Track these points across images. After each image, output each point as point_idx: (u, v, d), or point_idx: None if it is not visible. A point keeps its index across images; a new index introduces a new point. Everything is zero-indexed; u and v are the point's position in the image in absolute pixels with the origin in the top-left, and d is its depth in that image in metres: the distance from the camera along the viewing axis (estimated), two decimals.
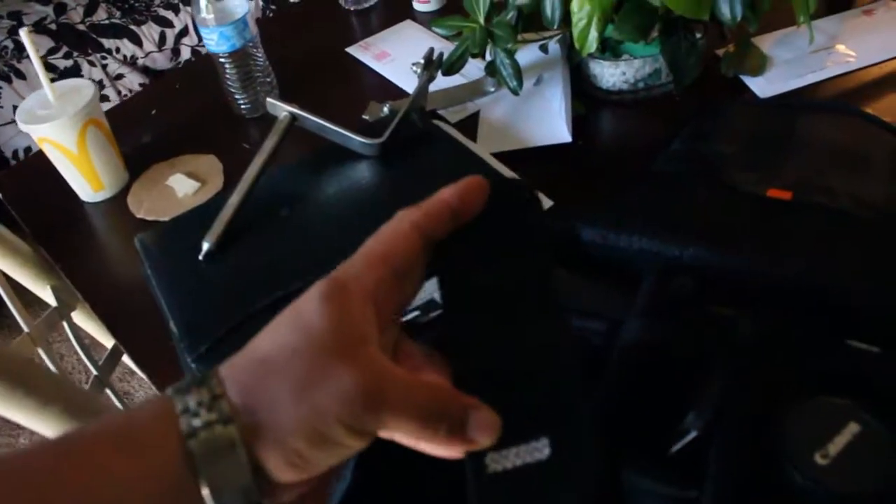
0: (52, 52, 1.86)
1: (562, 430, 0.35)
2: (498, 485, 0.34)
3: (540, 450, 0.34)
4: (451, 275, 0.40)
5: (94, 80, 1.44)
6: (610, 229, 0.54)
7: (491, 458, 0.34)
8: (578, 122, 0.82)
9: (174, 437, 0.32)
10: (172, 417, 0.32)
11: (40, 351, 0.84)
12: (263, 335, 0.36)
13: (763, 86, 0.84)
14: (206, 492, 0.32)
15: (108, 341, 0.99)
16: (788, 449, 0.41)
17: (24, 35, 0.80)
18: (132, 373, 1.71)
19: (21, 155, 1.89)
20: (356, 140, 0.74)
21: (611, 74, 0.84)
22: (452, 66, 0.82)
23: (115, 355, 0.91)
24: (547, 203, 0.70)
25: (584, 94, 0.86)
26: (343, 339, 0.34)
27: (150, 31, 1.96)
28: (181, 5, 2.00)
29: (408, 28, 1.05)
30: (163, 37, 1.97)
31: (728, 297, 0.52)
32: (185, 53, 2.01)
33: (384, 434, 0.34)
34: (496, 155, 0.77)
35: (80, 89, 0.85)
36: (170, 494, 0.32)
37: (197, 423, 0.32)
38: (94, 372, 0.86)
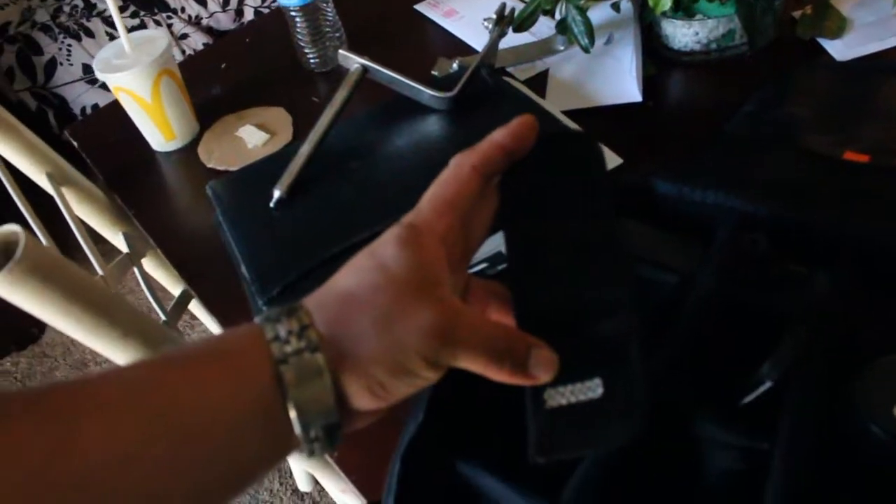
0: (119, 11, 1.89)
1: (615, 372, 0.37)
2: (554, 418, 0.37)
3: (593, 389, 0.37)
4: (515, 222, 0.41)
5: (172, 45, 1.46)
6: (685, 183, 0.54)
7: (548, 393, 0.37)
8: (649, 83, 0.81)
9: (266, 361, 0.34)
10: (264, 343, 0.34)
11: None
12: (344, 274, 0.38)
13: (841, 49, 0.81)
14: (293, 413, 0.34)
15: (175, 289, 1.01)
16: (865, 402, 0.41)
17: None
18: (192, 324, 1.75)
19: (89, 112, 1.93)
20: (427, 93, 0.74)
21: (683, 34, 0.82)
22: (523, 23, 0.82)
23: (182, 302, 0.94)
24: (616, 161, 0.69)
25: (656, 55, 0.85)
26: (420, 280, 0.36)
27: None
28: None
29: None
30: None
31: (802, 255, 0.52)
32: (249, 14, 2.03)
33: (457, 365, 0.36)
34: (565, 113, 0.77)
35: (155, 40, 0.87)
36: (260, 412, 0.34)
37: (288, 349, 0.34)
38: (163, 317, 0.88)
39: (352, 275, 0.37)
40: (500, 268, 0.63)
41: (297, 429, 0.34)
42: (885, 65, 0.80)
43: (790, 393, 0.42)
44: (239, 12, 2.02)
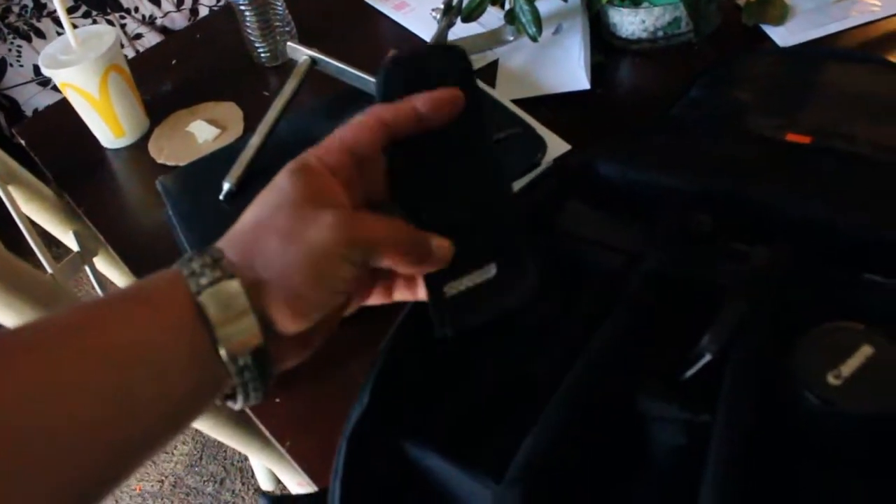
0: (71, 10, 1.86)
1: (505, 255, 0.42)
2: (455, 302, 0.42)
3: (488, 272, 0.42)
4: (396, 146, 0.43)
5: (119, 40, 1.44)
6: (628, 164, 0.54)
7: (448, 286, 0.42)
8: (597, 71, 0.82)
9: (185, 297, 0.35)
10: (181, 280, 0.36)
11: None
12: (248, 209, 0.40)
13: (784, 35, 0.83)
14: (221, 346, 0.35)
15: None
16: (801, 371, 0.41)
17: None
18: None
19: None
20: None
21: (630, 23, 0.83)
22: (472, 13, 0.82)
23: None
24: (564, 147, 0.70)
25: (604, 43, 0.86)
26: (315, 194, 0.38)
27: None
28: None
29: None
30: None
31: (745, 233, 0.53)
32: (203, 13, 2.01)
33: (369, 260, 0.39)
34: (515, 101, 0.78)
35: (102, 35, 0.86)
36: (185, 345, 0.35)
37: (203, 281, 0.35)
38: None
39: (254, 207, 0.39)
40: None
41: (225, 356, 0.35)
42: (826, 50, 0.81)
43: (729, 365, 0.43)
44: (194, 11, 2.01)
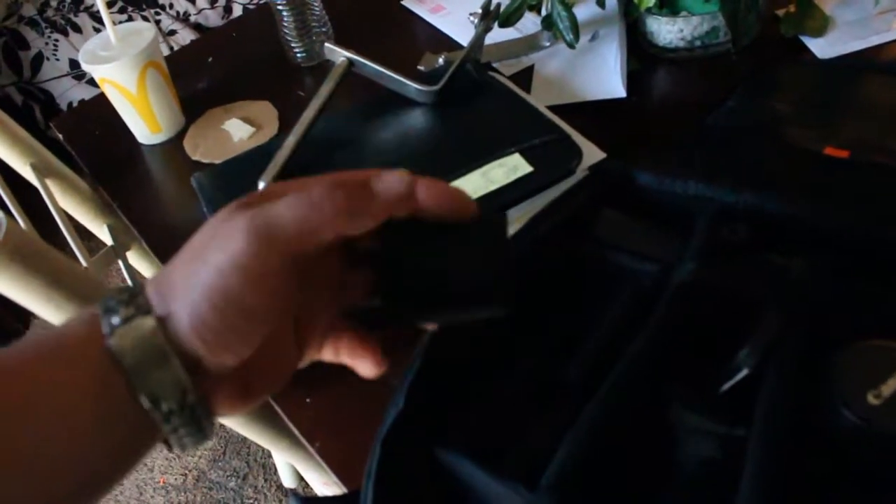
0: (107, 6, 1.88)
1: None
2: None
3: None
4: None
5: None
6: (666, 174, 0.54)
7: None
8: (634, 79, 0.82)
9: (97, 337, 0.32)
10: (96, 321, 0.32)
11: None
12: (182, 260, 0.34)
13: (823, 47, 0.82)
14: (142, 398, 0.32)
15: None
16: (840, 389, 0.41)
17: None
18: None
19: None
20: (412, 87, 0.75)
21: (668, 31, 0.83)
22: (509, 19, 0.82)
23: None
24: (600, 155, 0.70)
25: (641, 51, 0.86)
26: (224, 217, 0.34)
27: None
28: None
29: None
30: None
31: (782, 245, 0.52)
32: (237, 11, 2.03)
33: (297, 249, 0.33)
34: (550, 108, 0.77)
35: (141, 32, 0.86)
36: (102, 402, 0.31)
37: (115, 320, 0.32)
38: None
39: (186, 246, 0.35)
40: None
41: (146, 403, 0.31)
42: (866, 63, 0.80)
43: (765, 379, 0.43)
44: (227, 9, 2.02)
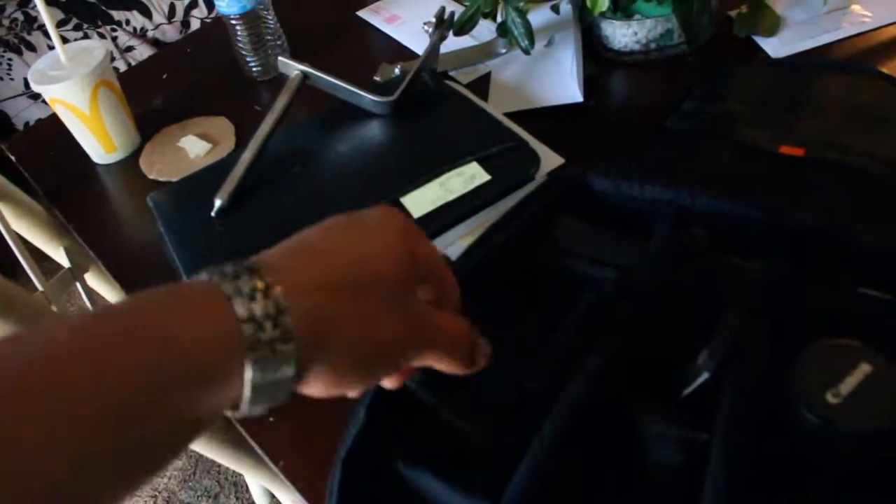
0: (61, 24, 1.86)
1: None
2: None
3: None
4: None
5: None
6: (622, 178, 0.54)
7: None
8: (590, 83, 0.82)
9: (234, 342, 0.31)
10: (230, 321, 0.31)
11: (54, 309, 0.85)
12: (331, 253, 0.36)
13: (776, 46, 0.83)
14: (246, 392, 0.32)
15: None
16: (800, 389, 0.41)
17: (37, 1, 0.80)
18: None
19: None
20: (368, 98, 0.74)
21: (622, 35, 0.83)
22: (464, 27, 0.82)
23: None
24: (558, 161, 0.70)
25: (596, 56, 0.86)
26: (401, 290, 0.37)
27: (159, 3, 1.95)
28: None
29: None
30: (172, 9, 1.97)
31: (740, 247, 0.52)
32: (195, 25, 2.01)
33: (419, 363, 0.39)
34: (507, 115, 0.77)
35: (92, 51, 0.85)
36: (210, 377, 0.31)
37: (262, 335, 0.31)
38: None
39: (339, 260, 0.36)
40: None
41: (245, 407, 0.33)
42: (818, 62, 0.81)
43: (726, 382, 0.43)
44: (185, 23, 2.00)
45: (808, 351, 0.42)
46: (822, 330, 0.44)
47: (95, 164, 0.90)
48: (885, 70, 0.77)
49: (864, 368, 0.41)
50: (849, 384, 0.41)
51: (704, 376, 0.44)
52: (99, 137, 0.87)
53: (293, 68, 0.77)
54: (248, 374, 0.32)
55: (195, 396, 0.31)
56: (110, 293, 1.03)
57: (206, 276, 0.33)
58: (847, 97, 0.75)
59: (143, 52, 1.94)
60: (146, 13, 1.95)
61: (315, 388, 0.35)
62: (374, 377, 0.37)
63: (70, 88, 0.82)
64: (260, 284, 0.32)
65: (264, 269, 0.33)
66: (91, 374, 0.28)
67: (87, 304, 0.89)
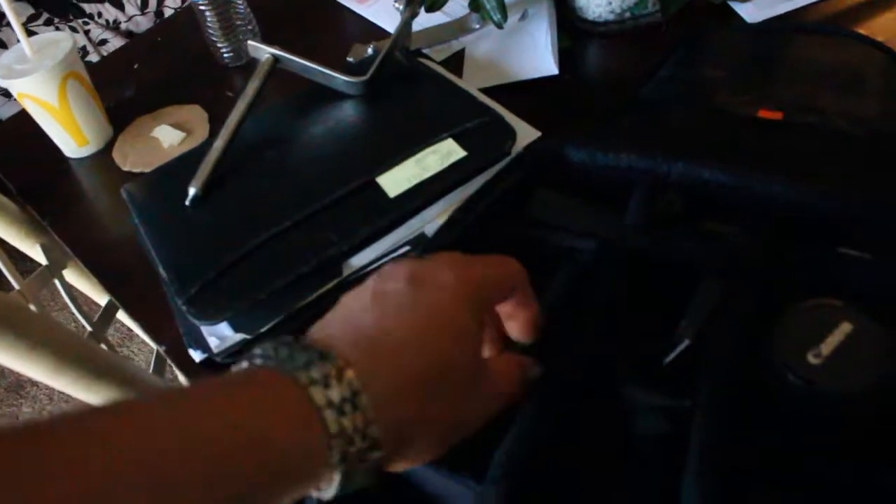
0: (32, 18, 1.83)
1: None
2: None
3: None
4: None
5: (77, 47, 1.41)
6: (598, 149, 0.53)
7: None
8: (565, 55, 0.81)
9: (326, 457, 0.32)
10: (323, 438, 0.31)
11: (32, 308, 0.84)
12: (401, 344, 0.35)
13: (752, 11, 0.82)
14: (335, 483, 0.33)
15: (101, 299, 0.98)
16: (780, 351, 0.41)
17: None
18: (132, 336, 1.71)
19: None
20: (340, 79, 0.73)
21: (596, 5, 0.82)
22: (435, 3, 0.81)
23: (109, 311, 0.91)
24: (535, 134, 0.69)
25: (571, 28, 0.85)
26: (475, 370, 0.38)
27: None
28: None
29: None
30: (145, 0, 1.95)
31: (718, 213, 0.52)
32: (169, 15, 1.98)
33: None
34: (483, 90, 0.76)
35: (58, 42, 0.83)
36: (296, 470, 0.32)
37: (349, 453, 0.32)
38: (89, 328, 0.86)
39: (420, 354, 0.35)
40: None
41: (332, 492, 0.33)
42: (794, 25, 0.81)
43: (707, 348, 0.42)
44: (159, 14, 1.98)
45: (789, 312, 0.42)
46: (802, 291, 0.43)
47: (68, 159, 0.89)
48: (860, 31, 0.76)
49: (845, 328, 0.41)
50: (830, 344, 0.40)
51: (685, 343, 0.43)
52: (70, 131, 0.86)
53: (263, 52, 0.75)
54: (337, 477, 0.32)
55: (285, 494, 0.31)
56: (91, 289, 1.02)
57: (274, 363, 0.33)
58: (824, 60, 0.75)
59: (117, 44, 1.91)
60: (118, 5, 1.93)
61: (399, 467, 0.37)
62: (457, 443, 0.38)
63: (37, 82, 0.80)
64: (346, 391, 0.32)
65: (339, 359, 0.33)
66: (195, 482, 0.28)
67: (66, 299, 0.88)
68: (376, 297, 0.37)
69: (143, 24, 1.97)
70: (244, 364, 0.34)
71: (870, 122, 0.65)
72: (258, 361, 0.33)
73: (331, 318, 0.37)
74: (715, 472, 0.38)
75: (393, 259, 0.42)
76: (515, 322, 0.43)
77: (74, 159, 0.88)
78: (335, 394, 0.32)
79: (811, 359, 0.40)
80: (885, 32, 0.77)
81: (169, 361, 0.69)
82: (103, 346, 0.86)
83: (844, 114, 0.66)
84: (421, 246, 0.61)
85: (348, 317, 0.37)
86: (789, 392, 0.40)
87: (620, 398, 0.46)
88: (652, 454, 0.45)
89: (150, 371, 0.90)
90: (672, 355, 0.44)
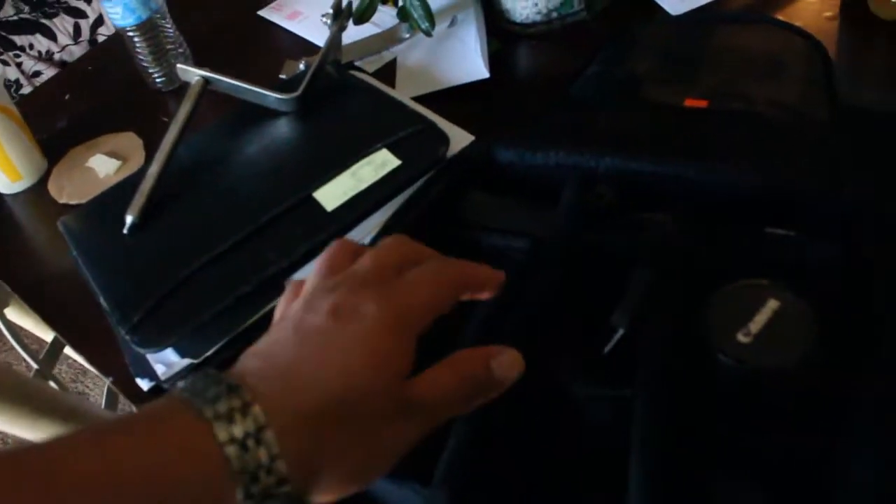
0: None
1: None
2: None
3: None
4: None
5: (10, 80, 1.39)
6: (526, 148, 0.54)
7: None
8: (496, 58, 0.82)
9: (229, 490, 0.31)
10: (226, 474, 0.31)
11: None
12: (322, 381, 0.34)
13: (675, 4, 0.84)
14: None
15: (47, 335, 0.97)
16: (712, 333, 0.42)
17: None
18: (85, 371, 1.68)
19: None
20: (272, 97, 0.73)
21: (523, 7, 0.83)
22: (363, 15, 0.81)
23: (56, 348, 0.89)
24: (469, 138, 0.69)
25: (501, 31, 0.86)
26: (394, 396, 0.35)
27: (63, 24, 1.90)
28: None
29: None
30: (77, 28, 1.91)
31: (649, 202, 0.53)
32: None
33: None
34: (416, 99, 0.77)
35: None
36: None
37: (255, 489, 0.31)
38: (35, 365, 0.84)
39: (323, 383, 0.34)
40: None
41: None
42: (716, 15, 0.83)
43: (642, 335, 0.43)
44: (92, 42, 1.95)
45: (717, 295, 0.43)
46: (733, 273, 0.44)
47: (2, 195, 0.87)
48: (780, 17, 0.78)
49: (772, 305, 0.42)
50: (758, 322, 0.41)
51: (620, 332, 0.44)
52: (2, 167, 0.84)
53: (193, 74, 0.75)
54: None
55: None
56: (34, 326, 1.00)
57: (189, 395, 0.32)
58: (747, 47, 0.76)
59: (51, 75, 1.88)
60: (50, 36, 1.89)
61: (324, 499, 0.35)
62: (383, 473, 0.36)
63: None
64: (251, 426, 0.31)
65: (247, 393, 0.32)
66: None
67: (12, 340, 0.86)
68: (297, 330, 0.36)
69: (77, 53, 1.94)
70: (166, 395, 0.34)
71: (792, 106, 0.67)
72: (178, 394, 0.33)
73: (255, 349, 0.37)
74: (655, 455, 0.39)
75: (320, 278, 0.41)
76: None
77: (9, 195, 0.87)
78: (238, 429, 0.31)
79: (741, 338, 0.41)
80: (803, 18, 0.79)
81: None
82: (52, 383, 0.84)
83: (768, 99, 0.68)
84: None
85: (269, 349, 0.37)
86: (722, 372, 0.41)
87: (567, 393, 0.46)
88: (600, 445, 0.46)
89: (104, 405, 0.89)
90: (609, 346, 0.44)
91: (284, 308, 0.42)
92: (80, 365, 1.64)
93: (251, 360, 0.36)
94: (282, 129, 0.73)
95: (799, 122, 0.65)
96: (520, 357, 0.38)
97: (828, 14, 0.79)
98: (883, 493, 0.35)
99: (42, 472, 0.28)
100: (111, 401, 0.94)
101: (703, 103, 0.68)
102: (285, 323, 0.38)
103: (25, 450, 0.30)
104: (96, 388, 1.67)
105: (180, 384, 0.34)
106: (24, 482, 0.28)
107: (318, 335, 0.36)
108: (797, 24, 0.75)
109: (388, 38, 0.87)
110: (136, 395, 0.62)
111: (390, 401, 0.35)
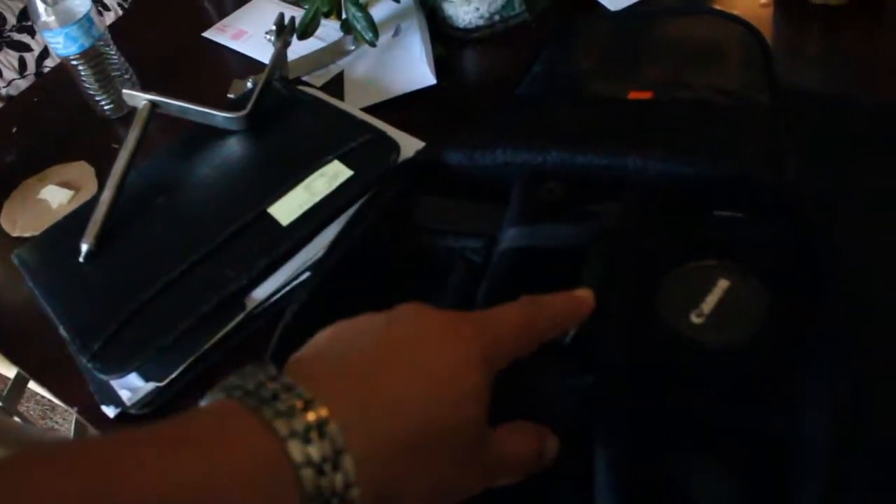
0: None
1: None
2: None
3: None
4: None
5: None
6: (474, 149, 0.55)
7: None
8: (443, 65, 0.82)
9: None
10: (292, 490, 0.28)
11: None
12: (409, 407, 0.32)
13: (613, 0, 0.85)
14: None
15: (9, 371, 0.95)
16: (665, 315, 0.42)
17: None
18: (54, 407, 1.65)
19: None
20: (219, 116, 0.73)
21: (465, 12, 0.84)
22: (307, 30, 0.82)
23: (19, 383, 0.88)
24: (419, 145, 0.70)
25: (445, 37, 0.87)
26: (477, 436, 0.34)
27: (7, 59, 1.87)
28: (35, 26, 1.92)
29: (262, 3, 1.03)
30: (22, 62, 1.89)
31: (600, 194, 0.53)
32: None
33: None
34: (365, 109, 0.77)
35: None
36: None
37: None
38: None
39: (413, 410, 0.32)
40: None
41: None
42: (654, 9, 0.84)
43: (597, 325, 0.44)
44: (39, 75, 1.93)
45: (668, 278, 0.44)
46: (684, 257, 0.45)
47: None
48: (717, 7, 0.80)
49: (723, 284, 0.43)
50: (710, 303, 0.42)
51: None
52: None
53: (140, 99, 0.75)
54: None
55: None
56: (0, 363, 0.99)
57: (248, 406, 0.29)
58: (687, 37, 0.78)
59: None
60: None
61: None
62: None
63: None
64: (328, 450, 0.29)
65: (321, 407, 0.30)
66: None
67: None
68: (381, 344, 0.34)
69: (24, 87, 1.91)
70: (223, 394, 0.31)
71: (734, 93, 0.69)
72: (239, 395, 0.30)
73: (320, 351, 0.34)
74: (618, 440, 0.39)
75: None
76: None
77: None
78: (315, 451, 0.28)
79: (694, 318, 0.42)
80: (739, 7, 0.81)
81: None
82: (16, 418, 0.83)
83: (710, 86, 0.69)
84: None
85: (342, 356, 0.34)
86: (678, 353, 0.42)
87: (530, 384, 0.47)
88: (567, 434, 0.46)
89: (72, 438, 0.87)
90: (569, 337, 0.45)
91: None
92: (49, 401, 1.62)
93: (319, 364, 0.33)
94: (233, 147, 0.73)
95: (741, 106, 0.67)
96: (557, 448, 0.40)
97: (763, 1, 0.80)
98: (835, 464, 0.36)
99: (101, 492, 0.26)
100: (80, 434, 0.92)
101: (647, 95, 0.69)
102: (366, 329, 0.35)
103: (84, 454, 0.28)
104: (66, 422, 1.65)
105: (232, 379, 0.31)
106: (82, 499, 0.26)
107: (405, 352, 0.34)
108: (734, 12, 0.76)
109: (333, 52, 0.88)
110: (102, 423, 0.62)
111: (473, 439, 0.33)
